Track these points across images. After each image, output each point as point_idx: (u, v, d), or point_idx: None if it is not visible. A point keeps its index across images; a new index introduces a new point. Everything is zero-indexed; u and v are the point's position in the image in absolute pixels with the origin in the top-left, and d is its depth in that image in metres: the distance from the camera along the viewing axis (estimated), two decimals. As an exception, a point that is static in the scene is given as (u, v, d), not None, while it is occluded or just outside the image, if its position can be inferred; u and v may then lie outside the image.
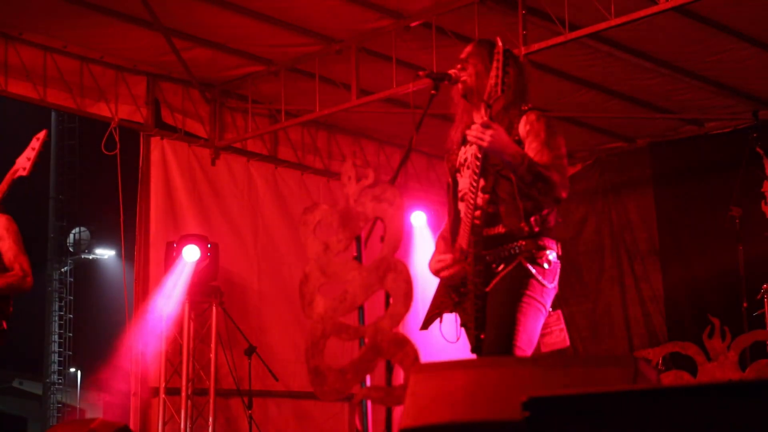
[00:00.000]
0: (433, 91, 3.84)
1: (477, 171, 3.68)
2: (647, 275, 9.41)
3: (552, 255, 3.76)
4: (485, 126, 3.60)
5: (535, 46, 6.77)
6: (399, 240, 3.13)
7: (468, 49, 3.95)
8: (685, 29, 7.31)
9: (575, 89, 8.47)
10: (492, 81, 3.59)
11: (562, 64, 7.97)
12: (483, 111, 3.66)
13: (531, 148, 3.71)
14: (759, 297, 7.18)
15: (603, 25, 6.56)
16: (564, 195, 3.69)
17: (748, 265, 7.38)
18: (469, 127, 3.74)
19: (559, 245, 3.80)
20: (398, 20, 7.45)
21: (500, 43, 3.58)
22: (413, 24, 7.41)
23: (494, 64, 3.58)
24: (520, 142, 3.74)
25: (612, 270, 9.67)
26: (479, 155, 3.67)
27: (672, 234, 9.34)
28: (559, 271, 3.79)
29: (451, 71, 3.90)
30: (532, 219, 3.72)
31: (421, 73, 3.98)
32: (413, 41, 7.56)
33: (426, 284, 4.11)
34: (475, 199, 3.70)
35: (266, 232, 8.92)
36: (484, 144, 3.59)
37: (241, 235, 8.76)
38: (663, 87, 8.42)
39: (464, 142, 3.94)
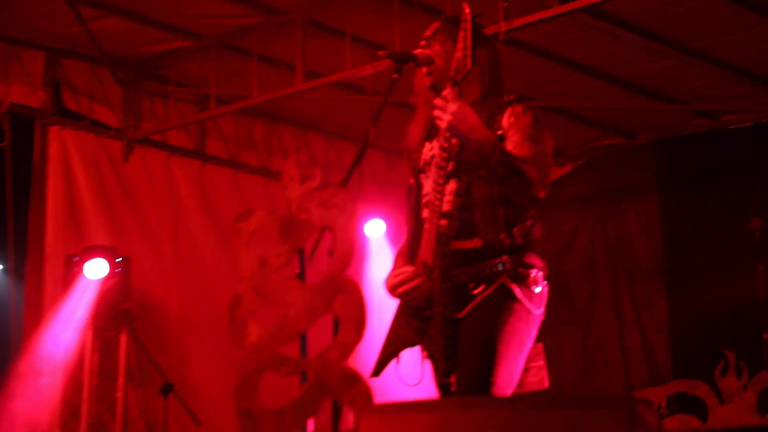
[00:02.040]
0: (395, 75, 3.84)
1: (442, 165, 3.68)
2: (649, 300, 9.48)
3: (540, 274, 3.78)
4: (446, 100, 3.60)
5: (519, 22, 6.80)
6: (351, 254, 3.13)
7: (435, 25, 3.97)
8: (698, 2, 7.38)
9: (566, 74, 8.53)
10: (459, 54, 3.59)
11: (551, 43, 8.02)
12: (449, 89, 3.65)
13: (511, 141, 3.73)
14: (782, 326, 7.27)
15: (599, -2, 6.63)
16: (542, 195, 3.71)
17: (769, 288, 7.47)
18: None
19: (545, 263, 3.82)
20: (353, -12, 7.47)
21: (467, 9, 3.59)
22: (371, -8, 7.43)
23: (461, 34, 3.58)
24: (502, 138, 3.75)
25: (607, 293, 9.74)
26: (445, 145, 3.66)
27: (679, 250, 9.42)
28: (547, 294, 3.82)
29: (417, 51, 3.91)
30: (515, 230, 3.73)
31: (381, 52, 3.99)
32: (372, 14, 7.56)
33: (384, 308, 4.08)
34: (440, 203, 3.70)
35: (190, 244, 8.87)
36: (443, 122, 3.60)
37: (159, 248, 8.71)
38: (671, 72, 8.50)
39: (429, 136, 3.94)
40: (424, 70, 3.90)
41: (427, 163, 3.90)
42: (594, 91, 8.84)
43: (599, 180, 9.99)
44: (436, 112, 3.62)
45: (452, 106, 3.59)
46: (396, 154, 9.95)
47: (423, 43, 3.93)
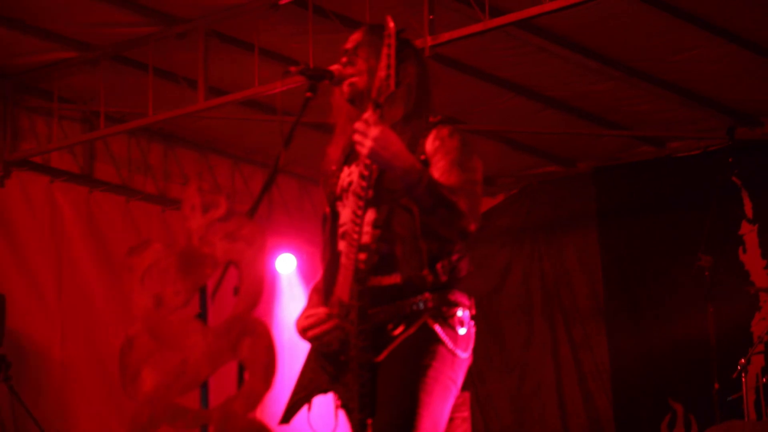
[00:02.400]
0: (308, 93, 3.85)
1: (361, 194, 3.69)
2: (589, 343, 9.57)
3: (466, 314, 3.80)
4: (366, 126, 3.62)
5: (446, 36, 6.87)
6: (259, 292, 3.14)
7: (355, 36, 3.98)
8: (642, 18, 7.50)
9: (497, 94, 8.61)
10: (382, 72, 3.60)
11: (481, 60, 8.10)
12: (371, 112, 3.66)
13: (437, 168, 3.75)
14: (735, 375, 7.35)
15: (535, 10, 6.69)
16: (472, 228, 3.72)
17: (720, 332, 7.54)
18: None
19: (472, 301, 3.85)
20: (263, -5, 7.49)
21: (391, 23, 3.61)
22: (283, 1, 7.44)
23: (384, 51, 3.60)
24: (426, 162, 3.78)
25: (543, 335, 9.81)
26: (365, 173, 3.67)
27: (622, 288, 9.52)
28: (474, 336, 3.84)
29: (333, 67, 3.93)
30: (439, 265, 3.75)
31: (292, 68, 3.99)
32: (283, 24, 7.58)
33: (296, 352, 4.08)
34: (359, 235, 3.71)
35: (75, 280, 8.78)
36: (364, 148, 3.61)
37: (39, 284, 8.61)
38: (613, 94, 8.62)
39: (348, 160, 3.96)
40: (345, 86, 3.92)
41: (345, 190, 3.91)
42: (528, 113, 8.93)
43: (535, 211, 10.08)
44: (357, 137, 3.62)
45: (374, 131, 3.58)
46: (310, 180, 9.97)
47: (344, 59, 3.94)
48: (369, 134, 3.59)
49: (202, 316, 3.27)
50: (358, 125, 3.62)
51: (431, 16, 6.88)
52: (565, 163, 9.99)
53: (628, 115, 9.03)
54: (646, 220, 9.46)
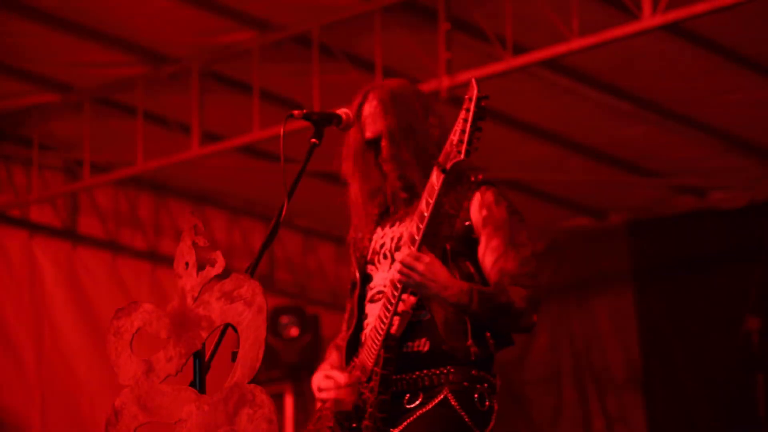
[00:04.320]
0: (313, 140, 3.88)
1: (392, 300, 3.77)
2: (625, 415, 9.53)
3: (491, 389, 3.83)
4: (414, 259, 3.68)
5: (464, 77, 6.89)
6: (258, 358, 3.15)
7: (383, 85, 4.07)
8: (680, 57, 7.54)
9: (521, 141, 8.64)
10: (455, 137, 3.64)
11: (503, 103, 8.12)
12: (434, 178, 3.71)
13: (489, 248, 3.83)
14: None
15: (562, 48, 6.74)
16: (535, 320, 3.82)
17: (771, 403, 7.55)
18: (386, 187, 3.84)
19: (497, 375, 3.88)
20: (262, 32, 7.53)
21: (476, 87, 3.65)
22: (284, 37, 7.50)
23: (462, 114, 3.64)
24: (470, 229, 3.84)
25: (574, 407, 9.78)
26: (399, 285, 3.75)
27: (661, 354, 9.50)
28: (496, 411, 3.86)
29: (341, 111, 3.96)
30: (488, 334, 3.81)
31: (296, 112, 4.03)
32: (284, 63, 7.63)
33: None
34: (395, 305, 3.76)
35: (56, 346, 8.79)
36: (411, 282, 3.69)
37: (17, 351, 8.63)
38: (647, 139, 8.64)
39: (380, 222, 4.01)
40: (353, 132, 3.96)
41: (377, 253, 3.98)
42: (555, 161, 8.95)
43: (563, 268, 10.08)
44: (404, 270, 3.69)
45: (420, 266, 3.68)
46: (315, 235, 9.99)
47: (359, 98, 3.99)
48: (417, 268, 3.68)
49: (197, 384, 3.28)
50: (406, 259, 3.69)
51: (448, 55, 6.92)
52: (596, 215, 10.00)
53: (665, 163, 9.04)
54: (686, 279, 9.44)
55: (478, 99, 3.62)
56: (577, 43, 6.64)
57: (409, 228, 3.78)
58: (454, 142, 3.61)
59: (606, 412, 9.63)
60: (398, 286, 3.73)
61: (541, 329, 10.03)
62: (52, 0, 7.18)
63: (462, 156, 3.60)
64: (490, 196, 3.90)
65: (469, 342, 3.79)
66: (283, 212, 3.72)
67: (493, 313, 3.74)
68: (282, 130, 3.83)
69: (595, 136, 8.65)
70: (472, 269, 3.83)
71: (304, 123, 3.91)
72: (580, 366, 9.84)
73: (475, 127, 3.61)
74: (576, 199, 9.80)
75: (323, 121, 3.91)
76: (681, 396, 9.29)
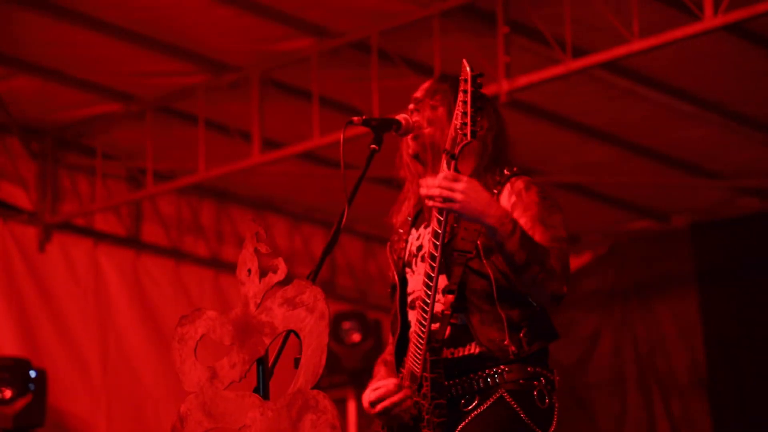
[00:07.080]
0: (373, 146, 3.87)
1: (434, 256, 3.68)
2: (690, 418, 9.47)
3: (549, 387, 3.80)
4: (452, 179, 3.61)
5: (523, 80, 6.90)
6: (321, 363, 3.16)
7: (425, 86, 4.01)
8: (741, 57, 7.50)
9: (581, 143, 8.61)
10: (457, 122, 3.60)
11: (563, 106, 8.12)
12: (445, 165, 3.65)
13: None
14: None
15: (622, 50, 6.71)
16: (565, 290, 3.71)
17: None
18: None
19: (556, 373, 3.84)
20: (321, 39, 7.56)
21: (468, 67, 3.62)
22: (343, 44, 7.52)
23: (460, 97, 3.60)
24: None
25: (638, 410, 9.73)
26: (440, 230, 3.66)
27: (726, 357, 9.43)
28: (557, 411, 3.83)
29: (400, 116, 3.95)
30: (522, 333, 3.74)
31: (355, 118, 4.03)
32: (343, 69, 7.65)
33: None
34: (431, 303, 3.71)
35: (121, 353, 8.84)
36: (455, 204, 3.60)
37: (83, 357, 8.67)
38: (711, 141, 8.59)
39: (416, 223, 3.98)
40: (410, 139, 3.93)
41: (414, 255, 3.93)
42: (616, 163, 8.92)
43: (625, 272, 10.02)
44: (442, 191, 3.59)
45: (461, 184, 3.59)
46: (376, 240, 10.00)
47: (411, 106, 3.96)
48: (457, 187, 3.59)
49: (260, 390, 3.29)
50: (444, 179, 3.61)
51: (508, 59, 6.90)
52: (659, 218, 9.95)
53: (727, 164, 8.98)
54: (751, 281, 9.38)
55: (473, 78, 3.59)
56: (637, 45, 6.61)
57: (432, 224, 3.71)
58: (458, 126, 3.58)
59: (671, 415, 9.58)
60: (438, 232, 3.63)
61: (605, 333, 9.99)
62: (115, 11, 7.25)
63: (468, 138, 3.57)
64: (520, 183, 3.82)
65: (506, 341, 3.75)
66: (344, 218, 3.73)
67: (530, 256, 3.61)
68: (342, 137, 3.83)
69: (657, 138, 8.61)
70: (505, 266, 3.70)
71: (363, 129, 3.92)
72: (644, 370, 9.79)
73: (476, 107, 3.57)
74: (638, 202, 9.75)
75: (382, 127, 3.89)
76: (747, 400, 9.22)
